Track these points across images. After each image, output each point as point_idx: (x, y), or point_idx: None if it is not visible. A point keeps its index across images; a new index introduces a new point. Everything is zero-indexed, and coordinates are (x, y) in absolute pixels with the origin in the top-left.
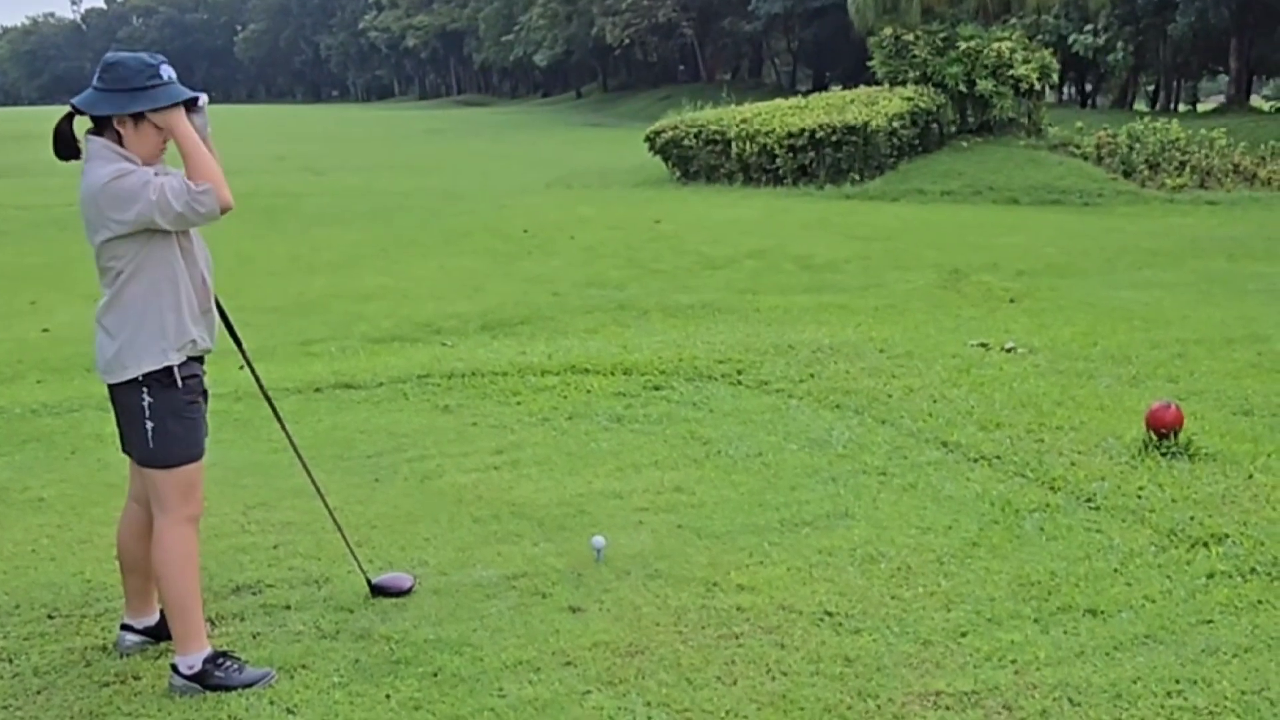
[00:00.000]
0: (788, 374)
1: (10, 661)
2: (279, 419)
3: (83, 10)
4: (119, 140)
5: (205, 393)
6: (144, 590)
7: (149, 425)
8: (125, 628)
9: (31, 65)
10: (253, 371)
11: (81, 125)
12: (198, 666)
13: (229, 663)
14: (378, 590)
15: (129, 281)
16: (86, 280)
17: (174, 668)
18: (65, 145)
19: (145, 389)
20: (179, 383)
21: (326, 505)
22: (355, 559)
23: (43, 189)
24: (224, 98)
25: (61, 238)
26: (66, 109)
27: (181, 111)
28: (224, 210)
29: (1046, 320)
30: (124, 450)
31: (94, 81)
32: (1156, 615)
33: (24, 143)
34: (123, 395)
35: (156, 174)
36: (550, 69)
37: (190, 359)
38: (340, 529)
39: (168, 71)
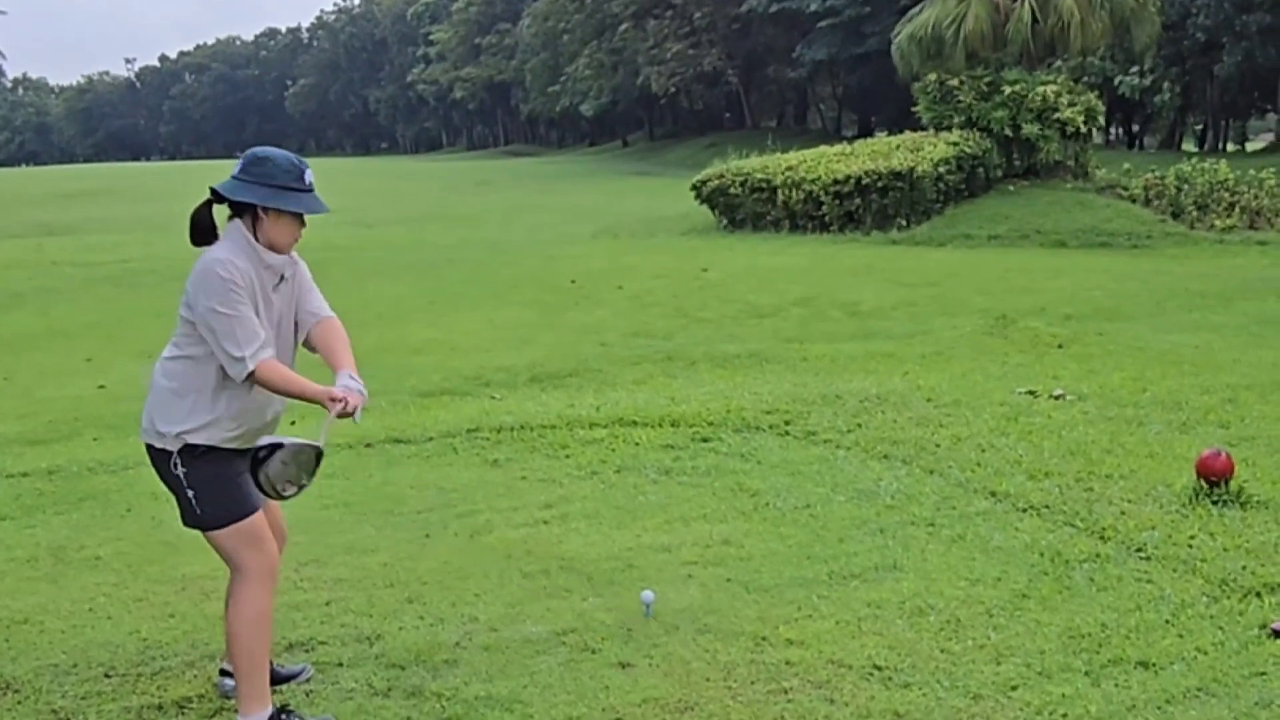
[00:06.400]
0: (835, 424)
1: None
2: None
3: (137, 68)
4: (254, 226)
5: (240, 452)
6: None
7: (190, 494)
8: (225, 673)
9: (86, 123)
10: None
11: (220, 213)
12: None
13: (289, 718)
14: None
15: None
16: (141, 337)
17: None
18: (204, 233)
19: (179, 458)
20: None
21: None
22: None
23: (97, 246)
24: None
25: (116, 295)
26: (125, 163)
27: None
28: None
29: (1095, 366)
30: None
31: (237, 173)
32: (1209, 668)
33: (78, 200)
34: (156, 461)
35: (256, 311)
36: (596, 118)
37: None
38: None
39: (310, 177)
